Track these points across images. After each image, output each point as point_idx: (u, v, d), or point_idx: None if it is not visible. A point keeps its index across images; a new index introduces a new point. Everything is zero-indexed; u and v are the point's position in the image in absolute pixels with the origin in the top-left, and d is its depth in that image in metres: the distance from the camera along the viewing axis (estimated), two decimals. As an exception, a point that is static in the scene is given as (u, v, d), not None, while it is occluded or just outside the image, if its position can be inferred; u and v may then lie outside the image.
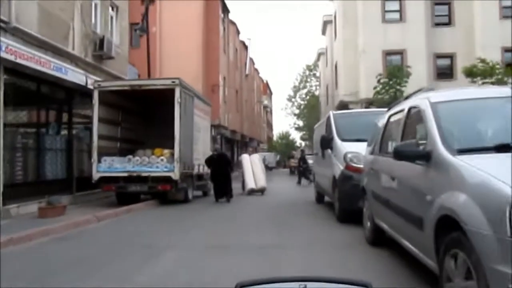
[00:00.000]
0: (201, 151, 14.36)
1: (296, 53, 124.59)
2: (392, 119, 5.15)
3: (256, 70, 51.44)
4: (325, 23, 36.45)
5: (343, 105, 25.43)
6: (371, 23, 25.30)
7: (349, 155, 7.41)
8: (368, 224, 5.76)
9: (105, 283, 4.40)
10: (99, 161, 11.91)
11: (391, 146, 4.75)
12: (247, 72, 40.16)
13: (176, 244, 6.38)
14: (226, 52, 30.75)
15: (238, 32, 37.00)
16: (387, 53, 25.22)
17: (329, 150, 8.67)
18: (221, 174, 13.69)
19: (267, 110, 75.65)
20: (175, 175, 11.60)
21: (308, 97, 60.41)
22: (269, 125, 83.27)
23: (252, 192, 15.39)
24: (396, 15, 25.68)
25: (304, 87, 61.16)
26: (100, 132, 12.14)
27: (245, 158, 16.80)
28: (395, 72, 20.36)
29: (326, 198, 10.84)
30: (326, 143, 8.39)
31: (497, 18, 24.76)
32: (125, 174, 11.77)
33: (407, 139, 4.10)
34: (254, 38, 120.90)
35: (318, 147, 10.73)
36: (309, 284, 1.00)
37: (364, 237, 6.14)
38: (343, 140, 7.98)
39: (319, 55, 46.13)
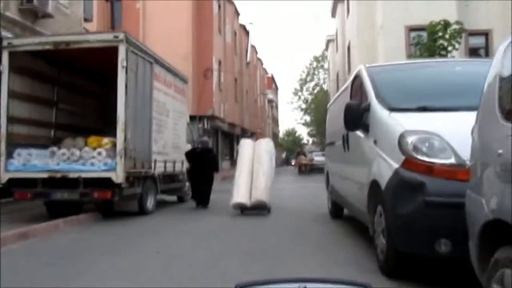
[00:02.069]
0: (171, 143, 10.41)
1: (303, 45, 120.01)
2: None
3: (259, 60, 47.43)
4: (335, 3, 32.44)
5: (358, 91, 21.37)
6: (391, -6, 21.28)
7: (412, 139, 3.43)
8: None
9: None
10: (9, 155, 8.03)
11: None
12: (248, 59, 36.15)
13: None
14: (222, 33, 26.78)
15: (237, 14, 32.99)
16: (411, 29, 21.19)
17: (358, 133, 4.70)
18: (202, 174, 10.18)
19: (272, 104, 71.69)
20: (118, 176, 7.67)
21: (315, 90, 56.46)
22: (275, 121, 79.32)
23: (241, 208, 8.75)
24: (422, -16, 21.59)
25: (312, 79, 57.11)
26: (14, 113, 8.26)
27: (245, 145, 9.60)
28: (441, 29, 15.06)
29: (346, 211, 6.92)
30: (355, 117, 4.35)
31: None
32: (45, 175, 7.87)
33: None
34: (257, 26, 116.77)
35: (336, 133, 6.75)
36: (308, 285, 0.97)
37: None
38: (393, 109, 3.97)
39: (328, 42, 42.07)
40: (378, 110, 4.12)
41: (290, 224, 7.39)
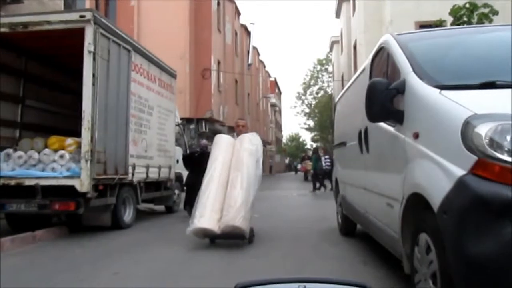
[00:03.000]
0: (156, 145, 9.07)
1: (307, 48, 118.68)
2: None
3: (261, 62, 46.22)
4: (340, 3, 31.20)
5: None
6: (401, -12, 20.03)
7: (487, 127, 2.07)
8: None
9: None
10: (-44, 158, 6.73)
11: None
12: (250, 61, 34.83)
13: None
14: (221, 32, 25.51)
15: (238, 13, 31.76)
16: (421, 25, 19.85)
17: (384, 126, 3.34)
18: (201, 179, 8.59)
19: (276, 109, 70.36)
20: (82, 184, 6.33)
21: (319, 94, 55.13)
22: (278, 126, 77.97)
23: (209, 237, 5.92)
24: (433, -23, 20.28)
25: (315, 83, 55.71)
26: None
27: (221, 144, 6.55)
28: (466, 13, 13.15)
29: (359, 226, 5.51)
30: (383, 101, 2.92)
31: None
32: (-4, 182, 6.55)
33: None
34: (259, 28, 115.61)
35: (348, 131, 5.39)
36: (308, 285, 0.98)
37: None
38: (443, 87, 2.59)
39: (332, 44, 40.80)
40: (420, 88, 2.74)
41: (287, 255, 5.30)
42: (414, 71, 2.90)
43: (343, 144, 5.81)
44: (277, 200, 14.12)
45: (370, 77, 4.10)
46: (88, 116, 6.41)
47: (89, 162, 6.35)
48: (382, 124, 3.43)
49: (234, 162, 6.11)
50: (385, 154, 3.49)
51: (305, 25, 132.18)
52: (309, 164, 25.08)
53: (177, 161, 10.75)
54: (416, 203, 2.66)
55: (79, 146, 6.62)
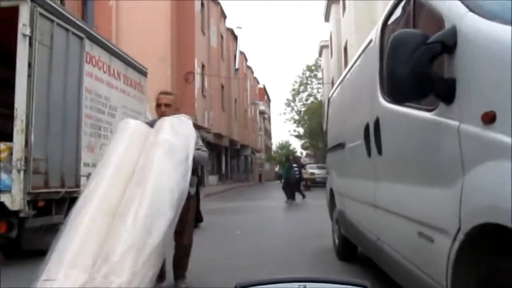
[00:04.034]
0: (120, 151, 7.76)
1: (295, 54, 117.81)
2: None
3: (249, 68, 45.11)
4: (329, 5, 30.34)
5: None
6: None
7: None
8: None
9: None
10: None
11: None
12: (236, 66, 33.69)
13: None
14: (205, 34, 24.34)
15: (224, 16, 30.66)
16: (416, 25, 18.94)
17: (409, 111, 2.12)
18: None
19: (265, 116, 69.25)
20: (13, 200, 5.02)
21: (309, 101, 54.21)
22: (267, 133, 76.86)
23: None
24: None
25: (305, 90, 54.80)
26: None
27: (121, 134, 3.66)
28: None
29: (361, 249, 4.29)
30: (418, 69, 1.72)
31: None
32: None
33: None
34: (247, 34, 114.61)
35: (347, 129, 4.19)
36: (308, 284, 0.96)
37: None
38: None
39: (321, 48, 39.99)
40: (490, 32, 1.55)
41: None
42: (472, 9, 1.69)
43: (340, 146, 4.59)
44: (263, 211, 12.87)
45: (382, 51, 2.90)
46: (22, 115, 5.13)
47: (22, 172, 5.06)
48: (405, 109, 2.23)
49: (138, 168, 3.31)
50: (414, 156, 2.27)
51: (294, 31, 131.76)
52: (305, 173, 23.80)
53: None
54: (488, 241, 1.44)
55: (12, 152, 5.31)
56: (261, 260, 5.47)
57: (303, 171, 23.98)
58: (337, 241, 5.26)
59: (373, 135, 2.98)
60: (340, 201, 4.75)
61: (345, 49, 23.86)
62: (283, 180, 16.61)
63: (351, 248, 4.77)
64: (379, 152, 2.86)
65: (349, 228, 4.19)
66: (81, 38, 6.39)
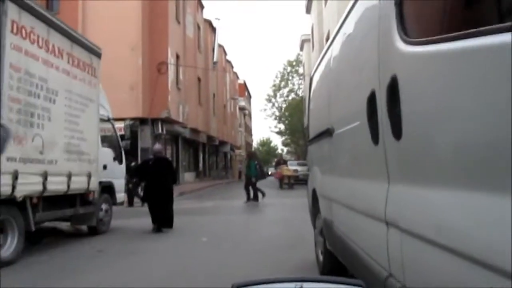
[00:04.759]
0: (62, 145, 6.51)
1: (276, 49, 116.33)
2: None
3: (229, 62, 43.82)
4: (311, -4, 29.31)
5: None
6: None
7: None
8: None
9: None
10: None
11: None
12: (215, 59, 32.43)
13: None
14: (180, 23, 22.98)
15: (201, 6, 29.32)
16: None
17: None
18: (161, 190, 8.12)
19: (245, 112, 68.03)
20: None
21: (290, 97, 53.24)
22: (248, 130, 75.70)
23: None
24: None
25: (286, 85, 53.76)
26: None
27: None
28: None
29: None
30: None
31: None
32: None
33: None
34: (227, 28, 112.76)
35: (333, 113, 3.04)
36: (305, 284, 0.95)
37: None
38: None
39: (303, 42, 38.99)
40: None
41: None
42: None
43: (325, 134, 3.42)
44: (238, 212, 11.71)
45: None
46: None
47: None
48: (459, 43, 1.10)
49: None
50: (477, 137, 1.12)
51: (275, 25, 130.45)
52: (285, 169, 22.57)
53: (105, 167, 8.21)
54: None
55: None
56: (224, 277, 4.29)
57: (284, 168, 22.85)
58: (321, 257, 4.11)
59: (385, 107, 1.83)
60: (326, 207, 3.59)
61: (327, 40, 22.83)
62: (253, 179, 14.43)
63: (341, 269, 3.62)
64: (397, 134, 1.72)
65: (339, 246, 3.05)
66: (1, 1, 5.08)
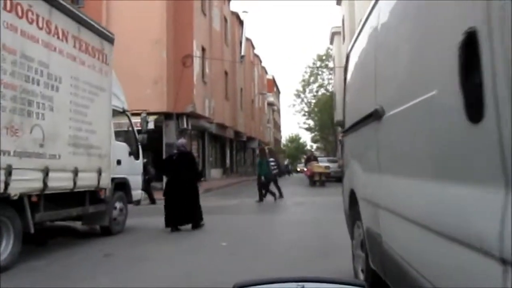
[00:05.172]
0: (67, 137, 5.90)
1: (306, 43, 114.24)
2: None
3: (257, 56, 43.03)
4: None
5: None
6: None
7: None
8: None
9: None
10: None
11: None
12: (242, 53, 31.66)
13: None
14: (206, 15, 22.33)
15: (228, -2, 28.63)
16: None
17: None
18: (185, 186, 7.63)
19: (274, 108, 67.13)
20: None
21: (319, 92, 51.98)
22: (277, 126, 74.77)
23: None
24: None
25: (315, 80, 52.53)
26: None
27: None
28: None
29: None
30: None
31: None
32: None
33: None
34: (256, 23, 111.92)
35: (384, 92, 2.17)
36: (306, 284, 0.94)
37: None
38: None
39: (333, 35, 37.68)
40: None
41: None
42: None
43: (371, 119, 2.58)
44: (263, 211, 10.93)
45: None
46: None
47: None
48: None
49: None
50: None
51: (304, 18, 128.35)
52: (316, 166, 21.48)
53: (119, 162, 7.59)
54: None
55: None
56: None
57: (315, 164, 21.81)
58: (361, 275, 3.27)
59: (500, 52, 0.99)
60: (371, 215, 2.74)
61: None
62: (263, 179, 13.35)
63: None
64: None
65: (393, 271, 2.21)
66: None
